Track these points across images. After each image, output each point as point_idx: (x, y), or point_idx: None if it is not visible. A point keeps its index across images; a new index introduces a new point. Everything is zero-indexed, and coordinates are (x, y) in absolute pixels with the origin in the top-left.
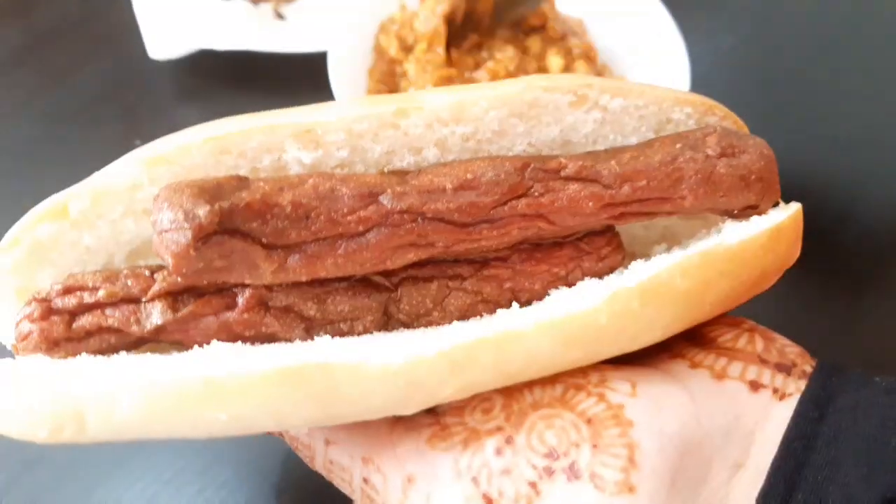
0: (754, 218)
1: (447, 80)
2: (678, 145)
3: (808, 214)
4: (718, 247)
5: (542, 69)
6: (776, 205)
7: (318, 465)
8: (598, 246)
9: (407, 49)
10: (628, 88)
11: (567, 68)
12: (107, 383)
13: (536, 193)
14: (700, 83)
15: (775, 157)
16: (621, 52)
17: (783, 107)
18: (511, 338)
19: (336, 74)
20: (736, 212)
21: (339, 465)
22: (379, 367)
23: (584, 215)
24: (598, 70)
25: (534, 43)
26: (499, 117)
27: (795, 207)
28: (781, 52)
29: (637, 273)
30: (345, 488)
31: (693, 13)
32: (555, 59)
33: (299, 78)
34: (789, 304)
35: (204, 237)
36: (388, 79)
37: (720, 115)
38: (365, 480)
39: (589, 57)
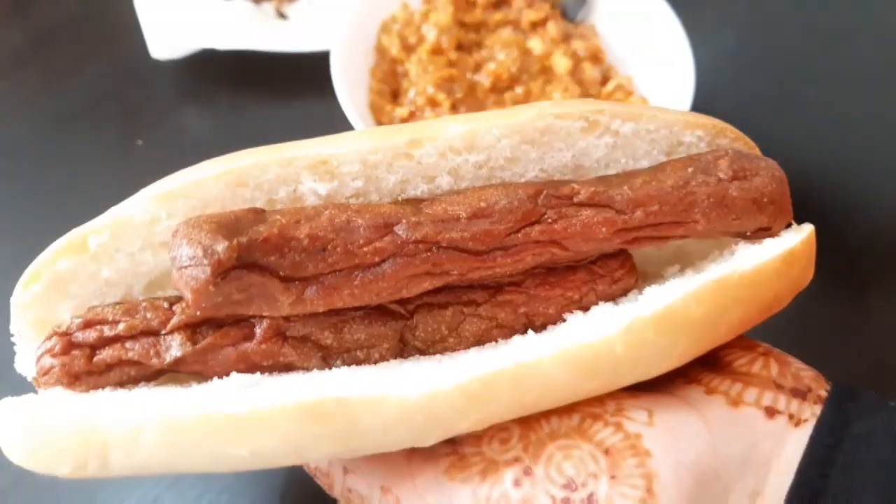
0: (767, 241)
1: (448, 81)
2: (690, 169)
3: (812, 213)
4: (733, 273)
5: (546, 70)
6: (789, 226)
7: (337, 493)
8: (612, 269)
9: (409, 48)
10: (639, 113)
11: (574, 69)
12: (130, 421)
13: (550, 220)
14: (706, 81)
15: (787, 179)
16: (627, 52)
17: (789, 105)
18: (528, 369)
19: (338, 74)
20: (749, 234)
21: (357, 493)
22: (397, 401)
23: (597, 241)
24: (605, 71)
25: (536, 44)
26: (511, 145)
27: (808, 230)
28: (788, 50)
29: (652, 301)
30: None
31: (699, 11)
32: (561, 60)
33: (301, 77)
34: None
35: (223, 273)
36: (389, 78)
37: (731, 138)
38: None
39: (596, 58)
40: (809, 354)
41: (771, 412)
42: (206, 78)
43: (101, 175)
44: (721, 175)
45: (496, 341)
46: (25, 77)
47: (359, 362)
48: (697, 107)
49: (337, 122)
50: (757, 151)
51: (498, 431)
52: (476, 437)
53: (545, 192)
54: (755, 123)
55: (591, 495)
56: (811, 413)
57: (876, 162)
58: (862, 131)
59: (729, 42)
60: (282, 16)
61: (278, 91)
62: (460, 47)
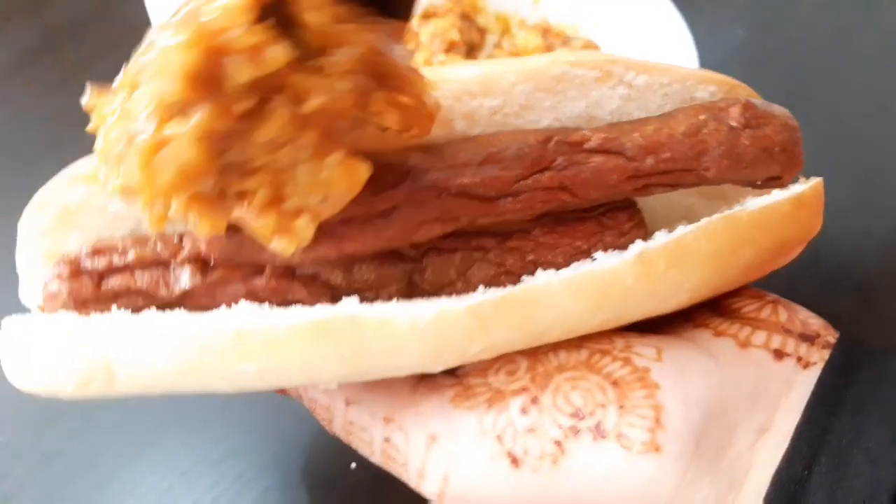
0: (776, 191)
1: None
2: (701, 117)
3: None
4: (742, 212)
5: None
6: (797, 180)
7: (337, 427)
8: (621, 221)
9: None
10: (653, 66)
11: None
12: (138, 335)
13: (560, 166)
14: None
15: (799, 128)
16: (627, 49)
17: (794, 101)
18: (539, 295)
19: None
20: (759, 183)
21: (359, 425)
22: (408, 321)
23: (607, 187)
24: None
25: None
26: (526, 91)
27: (817, 180)
28: (793, 45)
29: (663, 237)
30: (364, 449)
31: (702, 6)
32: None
33: None
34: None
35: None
36: None
37: (744, 95)
38: (386, 440)
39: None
40: None
41: (779, 354)
42: None
43: None
44: (733, 123)
45: (504, 286)
46: (37, 75)
47: (368, 302)
48: None
49: None
50: None
51: (505, 364)
52: (482, 370)
53: (556, 138)
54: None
55: (598, 424)
56: (820, 357)
57: (887, 155)
58: (873, 124)
59: (734, 35)
60: None
61: None
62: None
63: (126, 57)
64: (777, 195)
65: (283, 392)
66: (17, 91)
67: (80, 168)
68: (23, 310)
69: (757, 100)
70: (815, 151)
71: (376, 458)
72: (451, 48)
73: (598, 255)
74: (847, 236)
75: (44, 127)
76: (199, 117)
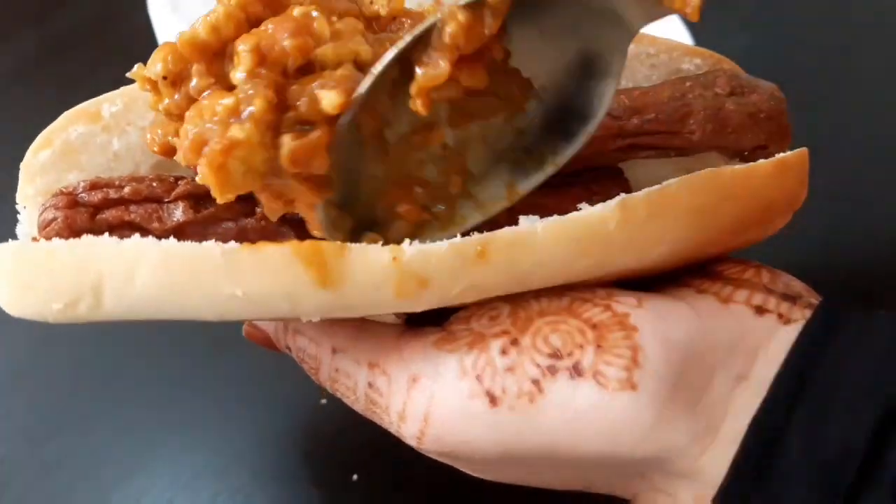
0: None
1: None
2: (688, 83)
3: (819, 213)
4: (725, 169)
5: None
6: None
7: (323, 377)
8: (608, 186)
9: None
10: (641, 36)
11: None
12: (126, 253)
13: None
14: None
15: (786, 101)
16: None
17: (799, 107)
18: (521, 238)
19: None
20: (746, 153)
21: (344, 372)
22: (390, 255)
23: (594, 144)
24: None
25: None
26: None
27: (802, 149)
28: (799, 53)
29: (646, 188)
30: (349, 397)
31: (707, 13)
32: None
33: None
34: None
35: None
36: None
37: (729, 69)
38: (370, 385)
39: None
40: None
41: (760, 310)
42: None
43: None
44: (718, 90)
45: None
46: (39, 83)
47: None
48: None
49: None
50: None
51: (488, 310)
52: (466, 318)
53: None
54: None
55: (576, 363)
56: (801, 315)
57: (890, 165)
58: (878, 132)
59: (739, 42)
60: None
61: None
62: None
63: (128, 65)
64: (761, 160)
65: (269, 346)
66: (18, 99)
67: (83, 106)
68: None
69: (740, 73)
70: (823, 159)
71: (360, 405)
72: None
73: (583, 205)
74: (853, 241)
75: None
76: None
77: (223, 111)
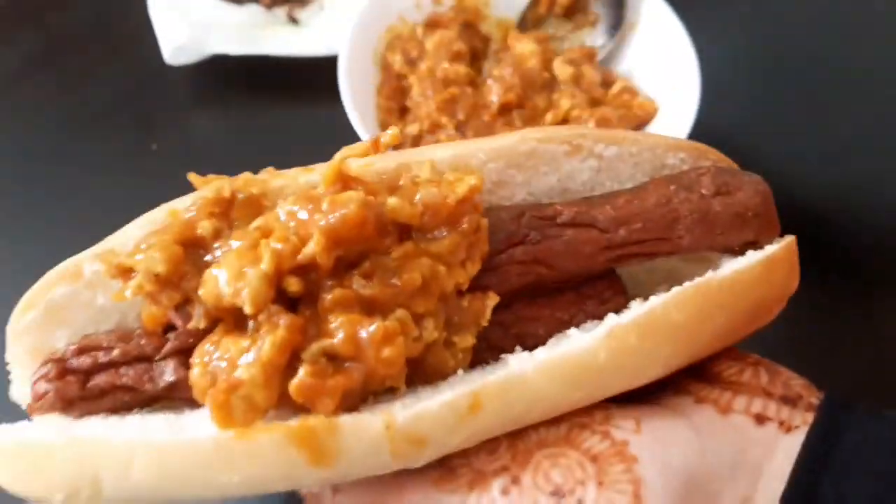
0: (750, 253)
1: (451, 103)
2: (672, 186)
3: (820, 216)
4: (712, 279)
5: (548, 82)
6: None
7: None
8: (600, 290)
9: (411, 62)
10: (622, 136)
11: (576, 75)
12: (120, 447)
13: (533, 241)
14: (714, 82)
15: (771, 193)
16: (626, 54)
17: (798, 106)
18: (512, 382)
19: (346, 91)
20: (736, 249)
21: None
22: (382, 424)
23: (582, 259)
24: (602, 73)
25: (527, 47)
26: (497, 168)
27: (788, 238)
28: (796, 52)
29: (633, 310)
30: None
31: (704, 14)
32: (563, 67)
33: (313, 82)
34: (796, 326)
35: None
36: (396, 95)
37: (714, 160)
38: None
39: (591, 58)
40: (810, 368)
41: (761, 419)
42: (219, 83)
43: (115, 179)
44: (704, 191)
45: (487, 363)
46: (41, 82)
47: None
48: (703, 107)
49: (348, 126)
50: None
51: (486, 443)
52: (464, 451)
53: (528, 213)
54: (765, 122)
55: (579, 501)
56: (802, 420)
57: (890, 160)
58: (875, 131)
59: (737, 40)
60: (293, 21)
61: (290, 95)
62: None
63: (128, 65)
64: (748, 258)
65: None
66: (20, 98)
67: (64, 267)
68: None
69: (726, 166)
70: (820, 159)
71: None
72: (455, 58)
73: (572, 331)
74: (851, 237)
75: (46, 133)
76: (261, 353)
77: (235, 351)
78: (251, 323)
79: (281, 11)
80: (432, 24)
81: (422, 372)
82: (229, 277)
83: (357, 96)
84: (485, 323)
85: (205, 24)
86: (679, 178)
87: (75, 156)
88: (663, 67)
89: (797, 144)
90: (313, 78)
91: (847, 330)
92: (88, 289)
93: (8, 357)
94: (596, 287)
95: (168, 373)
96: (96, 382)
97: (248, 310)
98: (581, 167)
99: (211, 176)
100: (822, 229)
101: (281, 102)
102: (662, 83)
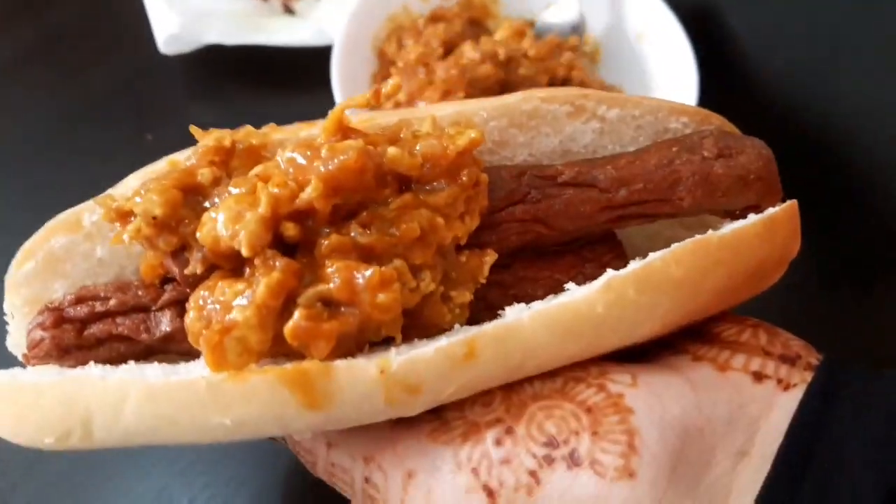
0: (751, 215)
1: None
2: (674, 148)
3: (820, 204)
4: (712, 236)
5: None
6: None
7: (320, 470)
8: (600, 253)
9: (403, 50)
10: (624, 99)
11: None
12: (112, 388)
13: (533, 199)
14: (712, 75)
15: (774, 158)
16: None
17: (797, 96)
18: (509, 331)
19: (337, 82)
20: (738, 213)
21: (340, 466)
22: (377, 369)
23: (582, 219)
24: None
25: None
26: (499, 127)
27: (790, 202)
28: (795, 44)
29: (632, 265)
30: (346, 491)
31: (703, 3)
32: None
33: (309, 71)
34: (798, 297)
35: None
36: None
37: (717, 124)
38: (366, 480)
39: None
40: (810, 337)
41: (759, 377)
42: (215, 73)
43: (111, 170)
44: (706, 153)
45: (485, 321)
46: (36, 74)
47: None
48: (703, 104)
49: None
50: None
51: (481, 395)
52: (459, 403)
53: (528, 173)
54: (765, 113)
55: (573, 451)
56: (801, 378)
57: (887, 155)
58: (878, 121)
59: (732, 38)
60: (289, 10)
61: (286, 85)
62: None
63: (124, 57)
64: (750, 218)
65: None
66: (15, 91)
67: (64, 217)
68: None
69: (730, 130)
70: (815, 150)
71: (357, 499)
72: (448, 51)
73: (570, 285)
74: (849, 233)
75: (42, 124)
76: (256, 295)
77: (231, 294)
78: (248, 270)
79: (276, 1)
80: (435, 18)
81: (419, 325)
82: (227, 220)
83: (351, 85)
84: (483, 280)
85: (200, 13)
86: (681, 140)
87: (71, 146)
88: (660, 66)
89: (801, 131)
90: (308, 67)
91: (848, 302)
92: (87, 240)
93: (5, 307)
94: (596, 250)
95: (164, 323)
96: (92, 332)
97: (244, 252)
98: (583, 129)
99: (212, 129)
100: (826, 216)
101: (276, 93)
102: (659, 82)
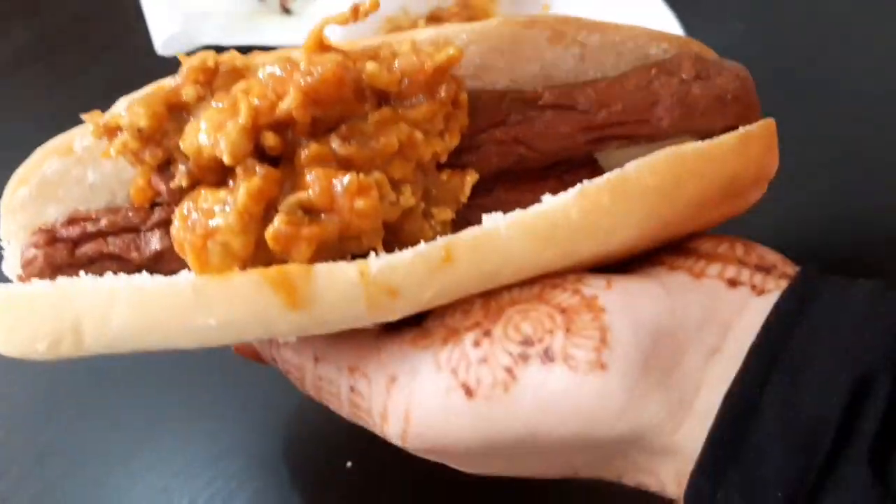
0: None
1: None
2: (653, 71)
3: (819, 203)
4: (687, 147)
5: None
6: None
7: (308, 386)
8: (582, 177)
9: None
10: (605, 25)
11: None
12: (101, 294)
13: (514, 121)
14: None
15: (752, 80)
16: None
17: (797, 94)
18: (486, 236)
19: None
20: (716, 134)
21: (327, 379)
22: (356, 271)
23: (562, 139)
24: None
25: None
26: (480, 51)
27: (767, 119)
28: (794, 39)
29: (606, 174)
30: (333, 404)
31: (697, 5)
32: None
33: None
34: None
35: None
36: None
37: (696, 51)
38: (352, 389)
39: None
40: None
41: (733, 283)
42: None
43: None
44: (684, 75)
45: None
46: (32, 75)
47: None
48: None
49: None
50: None
51: (461, 304)
52: (440, 312)
53: (509, 96)
54: (765, 109)
55: (547, 349)
56: (776, 286)
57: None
58: (877, 121)
59: (732, 32)
60: (287, 11)
61: None
62: None
63: (122, 59)
64: (726, 134)
65: (257, 359)
66: (13, 92)
67: (56, 142)
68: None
69: (708, 54)
70: (814, 146)
71: (345, 410)
72: None
73: (546, 196)
74: (846, 226)
75: (39, 127)
76: (237, 201)
77: (213, 201)
78: (231, 182)
79: (274, 1)
80: (434, 18)
81: (400, 240)
82: (209, 129)
83: None
84: (464, 199)
85: (197, 13)
86: (660, 64)
87: None
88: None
89: (800, 130)
90: None
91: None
92: (79, 164)
93: (1, 233)
94: (579, 174)
95: (154, 242)
96: (84, 250)
97: (226, 159)
98: (564, 55)
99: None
100: (824, 218)
101: None
102: None
